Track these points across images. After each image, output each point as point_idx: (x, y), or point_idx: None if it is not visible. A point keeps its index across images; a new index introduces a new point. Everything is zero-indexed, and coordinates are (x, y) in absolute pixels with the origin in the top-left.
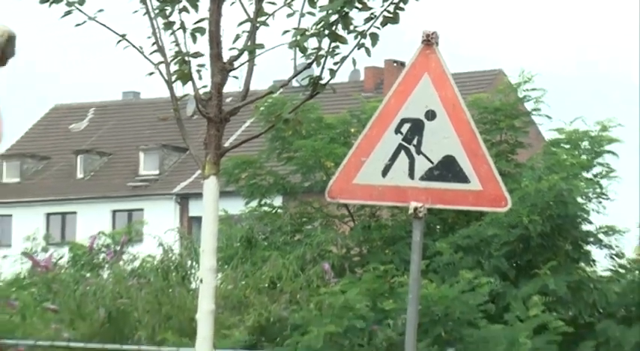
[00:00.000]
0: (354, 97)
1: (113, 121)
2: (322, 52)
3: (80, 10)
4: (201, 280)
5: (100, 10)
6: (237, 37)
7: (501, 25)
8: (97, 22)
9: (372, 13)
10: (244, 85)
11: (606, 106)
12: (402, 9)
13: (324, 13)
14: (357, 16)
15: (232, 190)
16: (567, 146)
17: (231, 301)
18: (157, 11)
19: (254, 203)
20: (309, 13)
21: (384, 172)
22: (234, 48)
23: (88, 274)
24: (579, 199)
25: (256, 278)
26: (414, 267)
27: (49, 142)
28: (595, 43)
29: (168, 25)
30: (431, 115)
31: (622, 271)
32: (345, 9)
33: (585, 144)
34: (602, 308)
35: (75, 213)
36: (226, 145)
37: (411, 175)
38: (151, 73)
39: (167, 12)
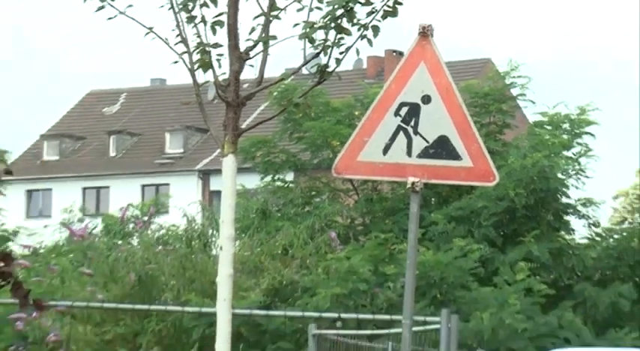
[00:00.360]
0: (357, 83)
1: (142, 105)
2: (329, 43)
3: (112, 6)
4: (220, 248)
5: (130, 6)
6: (253, 29)
7: (490, 17)
8: (127, 16)
9: (373, 8)
10: (259, 72)
11: (585, 92)
12: (400, 3)
13: (331, 7)
14: (360, 10)
15: (249, 167)
16: (549, 127)
17: (247, 266)
18: (180, 6)
19: (268, 178)
20: (317, 7)
21: (385, 151)
22: (249, 39)
23: (119, 242)
24: (560, 175)
25: (270, 246)
26: (412, 235)
27: (85, 123)
28: (573, 33)
29: (191, 19)
30: (427, 99)
31: (598, 238)
32: (350, 4)
33: (566, 126)
34: (580, 272)
35: (108, 187)
36: (243, 126)
37: (409, 153)
38: (176, 62)
39: (190, 7)
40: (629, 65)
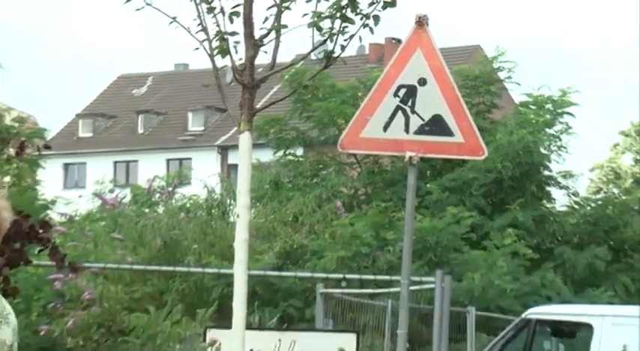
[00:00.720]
0: (360, 68)
1: (167, 88)
2: (334, 31)
3: None
4: (237, 215)
5: None
6: (266, 19)
7: (480, 6)
8: (153, 7)
9: None
10: (272, 58)
11: (566, 75)
12: None
13: None
14: (363, 1)
15: (263, 143)
16: (534, 107)
17: (262, 231)
18: None
19: (280, 153)
20: None
21: (385, 128)
22: (263, 28)
23: (146, 210)
24: (543, 150)
25: (282, 213)
26: (409, 204)
27: (116, 104)
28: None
29: (210, 10)
30: (422, 81)
31: (576, 207)
32: None
33: (549, 106)
34: (560, 236)
35: (137, 161)
36: (258, 106)
37: (407, 130)
38: (197, 49)
39: None
40: (604, 49)
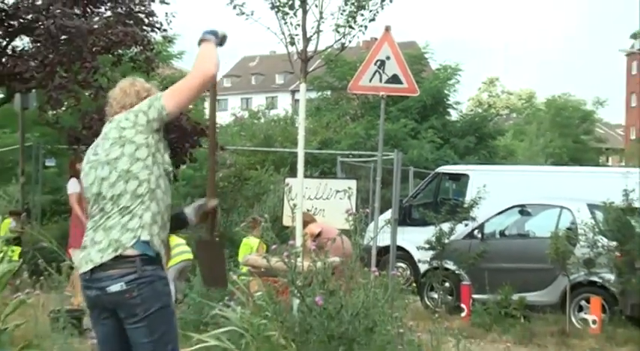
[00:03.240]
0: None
1: (264, 63)
2: (346, 32)
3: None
4: (299, 124)
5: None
6: (312, 28)
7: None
8: (253, 19)
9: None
10: (315, 46)
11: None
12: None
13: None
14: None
15: (311, 88)
16: (442, 71)
17: (311, 129)
18: (277, 12)
19: (319, 93)
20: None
21: (370, 80)
22: (310, 38)
23: (255, 121)
24: (445, 91)
25: (320, 121)
26: (381, 119)
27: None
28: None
29: (284, 18)
30: (388, 58)
31: (461, 118)
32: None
33: (449, 70)
34: (455, 132)
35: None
36: (309, 70)
37: (380, 81)
38: (279, 41)
39: (281, 13)
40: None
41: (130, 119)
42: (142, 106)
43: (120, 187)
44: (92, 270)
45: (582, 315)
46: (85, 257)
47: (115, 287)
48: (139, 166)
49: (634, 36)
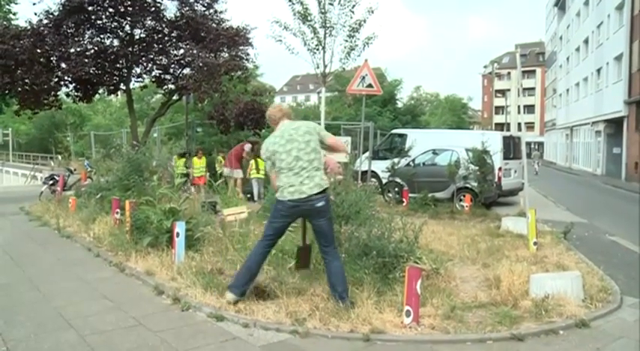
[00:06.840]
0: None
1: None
2: (346, 58)
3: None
4: (321, 108)
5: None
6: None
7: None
8: (284, 44)
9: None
10: (328, 65)
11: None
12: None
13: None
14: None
15: (327, 90)
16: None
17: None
18: (309, 47)
19: (331, 93)
20: (349, 36)
21: (357, 86)
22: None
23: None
24: (395, 91)
25: (338, 103)
26: (362, 111)
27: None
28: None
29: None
30: (366, 75)
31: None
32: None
33: (396, 83)
34: (401, 113)
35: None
36: (327, 80)
37: (362, 86)
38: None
39: (310, 45)
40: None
41: (311, 126)
42: (319, 128)
43: (311, 155)
44: (305, 198)
45: (461, 203)
46: (298, 190)
47: (320, 203)
48: (316, 147)
49: (492, 62)
